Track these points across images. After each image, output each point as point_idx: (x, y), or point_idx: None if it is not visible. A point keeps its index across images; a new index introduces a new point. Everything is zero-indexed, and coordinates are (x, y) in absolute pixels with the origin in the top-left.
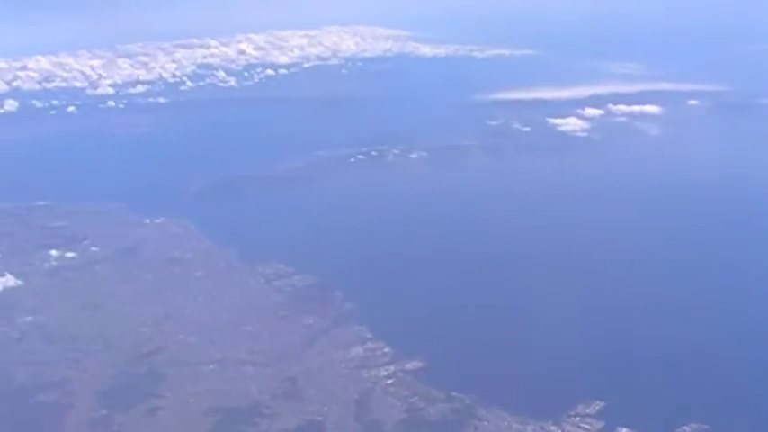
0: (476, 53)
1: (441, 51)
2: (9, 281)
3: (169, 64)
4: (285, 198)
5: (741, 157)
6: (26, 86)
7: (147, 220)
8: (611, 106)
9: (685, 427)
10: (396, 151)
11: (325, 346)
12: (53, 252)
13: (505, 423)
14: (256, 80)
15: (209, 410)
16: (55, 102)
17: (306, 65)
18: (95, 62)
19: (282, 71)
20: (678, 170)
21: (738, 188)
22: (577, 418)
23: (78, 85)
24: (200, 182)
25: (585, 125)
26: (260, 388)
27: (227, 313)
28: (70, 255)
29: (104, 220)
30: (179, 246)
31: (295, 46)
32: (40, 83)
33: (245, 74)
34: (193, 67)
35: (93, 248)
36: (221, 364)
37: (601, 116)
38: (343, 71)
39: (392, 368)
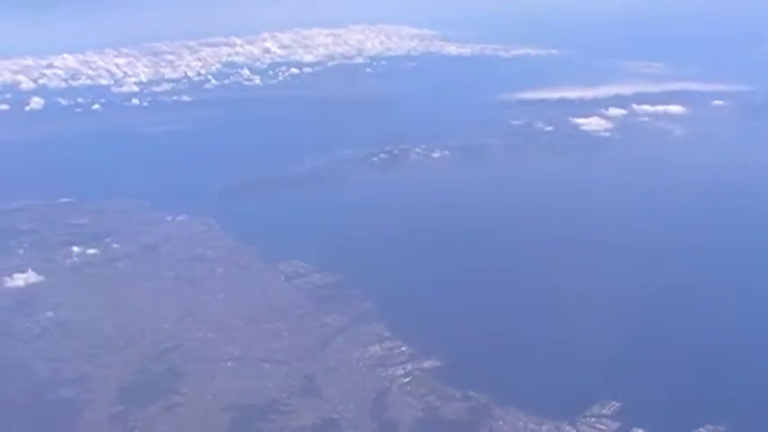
0: (501, 52)
1: (466, 51)
2: (31, 277)
3: (194, 62)
4: (307, 197)
5: (766, 158)
6: (52, 84)
7: (170, 218)
8: (634, 106)
9: (701, 429)
10: (418, 150)
11: (342, 345)
12: (75, 249)
13: (521, 423)
14: (281, 79)
15: (226, 407)
16: (80, 99)
17: (330, 63)
18: (121, 60)
19: (307, 70)
20: (701, 171)
21: (763, 190)
22: (593, 419)
23: (104, 83)
24: (223, 180)
25: (608, 125)
26: (277, 385)
27: (246, 311)
28: (92, 252)
29: (127, 217)
30: (201, 243)
31: (320, 44)
32: (66, 81)
33: (270, 72)
34: (218, 66)
35: (115, 245)
36: (240, 362)
37: (624, 116)
38: (368, 70)
39: (409, 367)
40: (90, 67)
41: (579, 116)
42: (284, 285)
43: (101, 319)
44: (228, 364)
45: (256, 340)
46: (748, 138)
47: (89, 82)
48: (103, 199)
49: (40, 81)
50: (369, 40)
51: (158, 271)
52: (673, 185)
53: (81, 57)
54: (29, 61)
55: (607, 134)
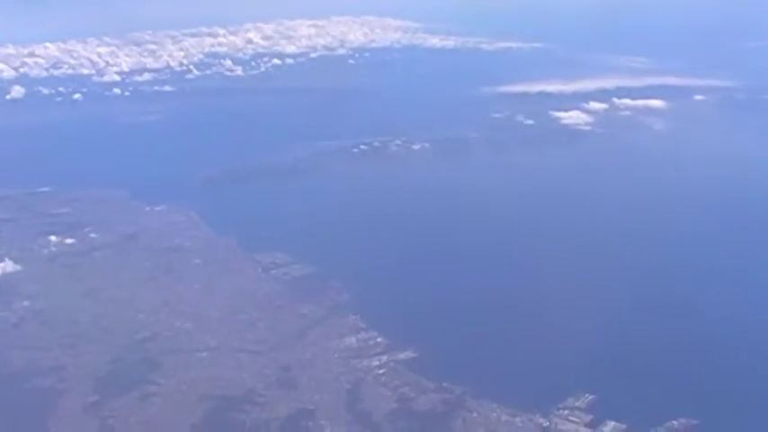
0: (484, 45)
1: (449, 43)
2: (8, 266)
3: (177, 52)
4: (286, 188)
5: (744, 153)
6: (33, 73)
7: (149, 208)
8: (615, 100)
9: (674, 422)
10: (398, 142)
11: (319, 336)
12: (53, 238)
13: (494, 415)
14: (263, 69)
15: (201, 398)
16: (61, 89)
17: (313, 55)
18: (103, 49)
19: (289, 61)
20: (680, 165)
21: (740, 185)
22: (566, 411)
23: (85, 72)
24: (203, 171)
25: (589, 119)
26: (253, 376)
27: (223, 301)
28: (70, 241)
29: (106, 207)
30: (179, 234)
31: (303, 36)
32: (47, 69)
33: (252, 63)
34: (201, 56)
35: (94, 235)
36: (216, 352)
37: (605, 110)
38: (350, 62)
39: (384, 358)
40: (72, 56)
41: (560, 110)
42: (262, 276)
43: (77, 308)
44: (204, 354)
45: (232, 331)
46: (727, 133)
47: (70, 71)
48: (83, 188)
49: (22, 70)
50: (352, 32)
51: (136, 261)
52: (650, 178)
53: (63, 46)
54: (10, 50)
55: (587, 128)
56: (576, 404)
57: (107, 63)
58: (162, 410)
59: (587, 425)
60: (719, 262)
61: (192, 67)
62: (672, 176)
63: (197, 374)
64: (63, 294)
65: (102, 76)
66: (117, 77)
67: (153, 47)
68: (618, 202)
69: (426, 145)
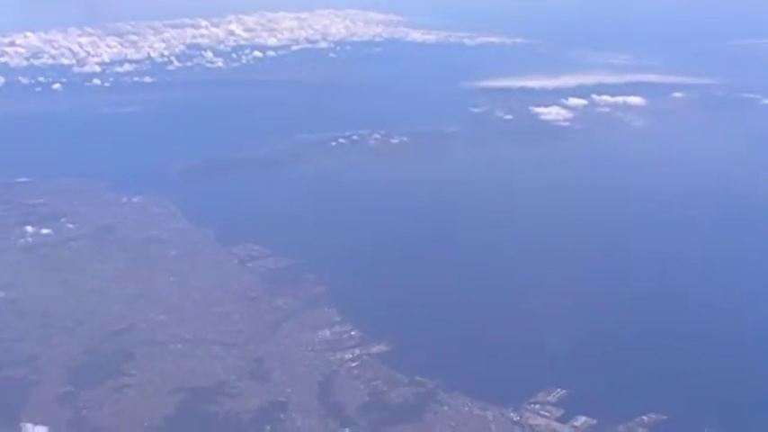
0: (466, 40)
1: (431, 37)
2: None
3: (158, 43)
4: (265, 180)
5: (719, 150)
6: (13, 62)
7: (127, 199)
8: (594, 96)
9: (644, 417)
10: (377, 136)
11: (293, 329)
12: (29, 229)
13: (466, 408)
14: (244, 62)
15: (174, 389)
16: (41, 78)
17: (294, 47)
18: (84, 39)
19: (270, 53)
20: (656, 162)
21: (714, 181)
22: (537, 406)
23: (66, 62)
24: (182, 162)
25: (568, 114)
26: (226, 368)
27: (198, 293)
28: (46, 232)
29: (84, 198)
30: (157, 225)
31: (285, 28)
32: (27, 59)
33: (233, 55)
34: (182, 47)
35: (70, 226)
36: (190, 344)
37: (584, 106)
38: (332, 55)
39: (358, 351)
40: (52, 46)
41: (539, 105)
42: (238, 268)
43: (52, 299)
44: (179, 346)
45: (207, 323)
46: (704, 130)
47: (51, 61)
48: (61, 179)
49: (1, 59)
50: (334, 25)
51: (112, 252)
52: (625, 175)
53: (44, 35)
54: None
55: (566, 124)
56: (548, 399)
57: (88, 53)
58: (135, 402)
59: (558, 419)
60: (693, 257)
61: (173, 58)
62: (647, 173)
63: (171, 366)
64: (38, 285)
65: (82, 66)
66: (97, 68)
67: (134, 38)
68: (592, 198)
69: (405, 139)
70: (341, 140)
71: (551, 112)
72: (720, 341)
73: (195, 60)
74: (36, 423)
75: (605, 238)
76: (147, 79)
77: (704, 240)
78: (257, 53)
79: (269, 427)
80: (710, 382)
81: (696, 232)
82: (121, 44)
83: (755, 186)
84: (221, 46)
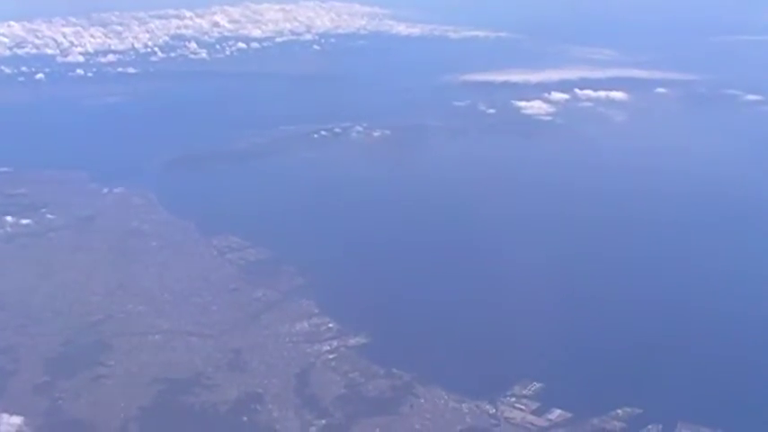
0: (450, 34)
1: (416, 30)
2: None
3: (142, 34)
4: (246, 172)
5: (699, 145)
6: None
7: (108, 190)
8: (577, 91)
9: (618, 411)
10: (359, 129)
11: (271, 320)
12: (9, 219)
13: (442, 401)
14: (228, 53)
15: (152, 380)
16: (24, 68)
17: (279, 39)
18: (68, 29)
19: (255, 45)
20: (635, 157)
21: (693, 176)
22: (513, 399)
23: (49, 52)
24: (163, 154)
25: (550, 109)
26: (204, 359)
27: (177, 285)
28: (26, 222)
29: (65, 188)
30: (137, 216)
31: (270, 20)
32: (10, 49)
33: (217, 47)
34: (166, 38)
35: (50, 216)
36: (168, 335)
37: (566, 100)
38: (316, 47)
39: (335, 343)
40: (36, 36)
41: (522, 99)
42: (217, 260)
43: (31, 290)
44: (157, 337)
45: (186, 314)
46: (686, 125)
47: (34, 51)
48: (42, 169)
49: None
50: (319, 17)
51: (92, 243)
52: (604, 169)
53: (28, 25)
54: None
55: (548, 118)
56: (523, 392)
57: (72, 43)
58: (112, 392)
59: (533, 412)
60: (669, 251)
61: (156, 49)
62: (626, 168)
63: (148, 357)
64: (17, 275)
65: (66, 56)
66: (81, 58)
67: (119, 28)
68: (571, 193)
69: (387, 132)
70: (323, 133)
71: (534, 107)
72: (694, 336)
73: (179, 51)
74: (12, 413)
75: (583, 232)
76: (131, 70)
77: (680, 234)
78: (241, 45)
79: (245, 419)
80: (684, 376)
81: (672, 226)
82: (105, 34)
83: (733, 181)
84: (206, 37)
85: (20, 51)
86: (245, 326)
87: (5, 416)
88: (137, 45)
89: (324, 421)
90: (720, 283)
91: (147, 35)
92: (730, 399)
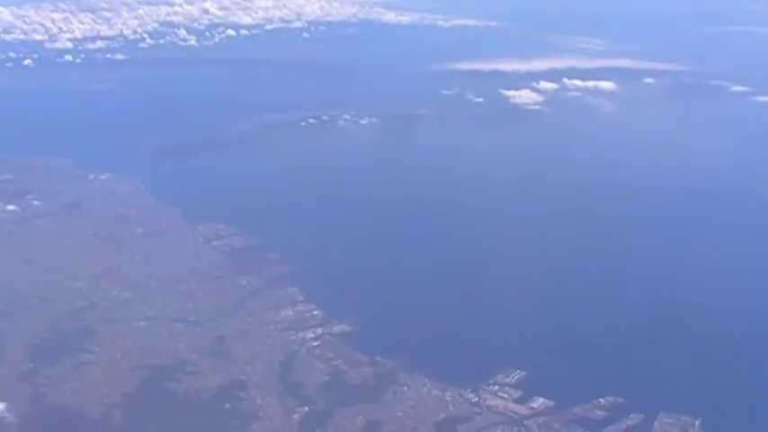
0: (440, 22)
1: (406, 19)
2: None
3: (131, 20)
4: (234, 160)
5: (684, 135)
6: None
7: (95, 177)
8: (565, 80)
9: (601, 400)
10: (347, 117)
11: (256, 307)
12: None
13: (425, 389)
14: (216, 40)
15: (135, 367)
16: (12, 54)
17: (268, 27)
18: (57, 15)
19: (244, 32)
20: (622, 146)
21: (677, 165)
22: (496, 387)
23: (38, 37)
24: (151, 141)
25: (539, 98)
26: (188, 346)
27: (162, 272)
28: (11, 208)
29: (51, 174)
30: (124, 203)
31: (260, 7)
32: None
33: (207, 33)
34: (155, 25)
35: (36, 203)
36: (152, 322)
37: (555, 90)
38: (305, 35)
39: (320, 331)
40: (24, 22)
41: (510, 88)
42: (203, 247)
43: (16, 276)
44: (141, 324)
45: (170, 301)
46: (673, 116)
47: (23, 36)
48: (29, 155)
49: None
50: (309, 5)
51: (78, 230)
52: (592, 159)
53: (16, 10)
54: None
55: (536, 107)
56: (506, 380)
57: (60, 29)
58: (95, 379)
59: (516, 400)
60: (653, 241)
61: (145, 35)
62: (613, 157)
63: (132, 344)
64: (2, 261)
65: (54, 42)
66: (69, 44)
67: (108, 14)
68: (557, 182)
69: (374, 120)
70: (310, 120)
71: (522, 96)
72: (676, 327)
73: (168, 38)
74: None
75: (567, 223)
76: (120, 56)
77: (663, 225)
78: (231, 32)
79: (228, 406)
80: (666, 366)
81: (656, 217)
82: (94, 20)
83: (718, 171)
84: (195, 24)
85: (8, 37)
86: (230, 313)
87: None
88: (126, 31)
89: (307, 408)
90: (702, 274)
91: (137, 22)
92: (711, 389)
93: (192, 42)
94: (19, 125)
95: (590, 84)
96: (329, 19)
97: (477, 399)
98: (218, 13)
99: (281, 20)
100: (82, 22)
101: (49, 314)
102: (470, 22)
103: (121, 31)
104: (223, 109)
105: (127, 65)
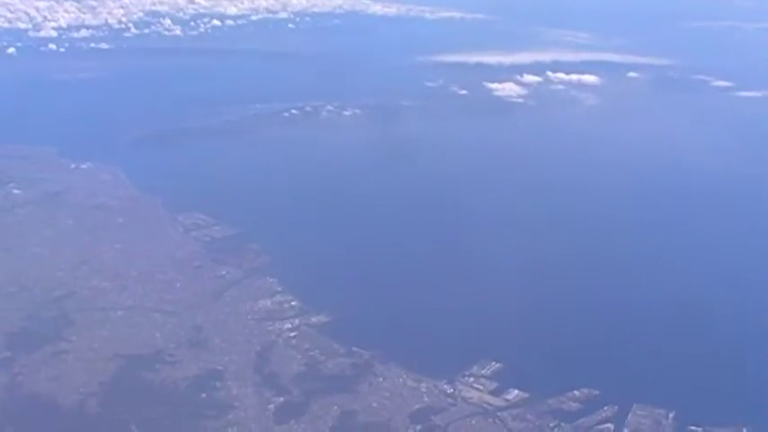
0: (426, 14)
1: (392, 10)
2: None
3: (117, 9)
4: (215, 150)
5: (666, 129)
6: None
7: (76, 166)
8: (549, 74)
9: (575, 392)
10: (330, 108)
11: (234, 298)
12: None
13: (400, 380)
14: (202, 30)
15: (112, 356)
16: None
17: (254, 17)
18: (42, 4)
19: (229, 22)
20: (604, 140)
21: (658, 159)
22: (471, 378)
23: (22, 26)
24: (133, 130)
25: (522, 91)
26: (165, 336)
27: (142, 261)
28: None
29: (32, 163)
30: (105, 192)
31: None
32: None
33: (192, 23)
34: (141, 14)
35: (17, 191)
36: (130, 311)
37: (538, 83)
38: (291, 26)
39: (297, 321)
40: (8, 10)
41: (494, 81)
42: (183, 237)
43: None
44: (119, 313)
45: (149, 291)
46: (656, 110)
47: (6, 25)
48: (10, 144)
49: None
50: None
51: (58, 219)
52: (574, 152)
53: None
54: None
55: (519, 100)
56: (482, 372)
57: (45, 18)
58: (72, 368)
59: (491, 392)
60: (631, 237)
61: (130, 25)
62: (594, 151)
63: (110, 333)
64: None
65: (38, 30)
66: (54, 33)
67: (93, 3)
68: (538, 176)
69: (357, 111)
70: (293, 111)
71: (506, 89)
72: (651, 320)
73: (153, 28)
74: None
75: (547, 216)
76: (104, 46)
77: (642, 220)
78: (216, 22)
79: (204, 395)
80: (640, 359)
81: (635, 211)
82: (79, 9)
83: (699, 166)
84: (180, 14)
85: None
86: (208, 303)
87: None
88: (111, 21)
89: (282, 399)
90: (679, 267)
91: (122, 11)
92: (684, 382)
93: (178, 32)
94: (0, 114)
95: (574, 77)
96: (315, 10)
97: (452, 390)
98: (204, 3)
99: (267, 10)
100: (67, 11)
101: (27, 303)
102: (456, 15)
103: (106, 20)
104: (206, 99)
105: (111, 54)
